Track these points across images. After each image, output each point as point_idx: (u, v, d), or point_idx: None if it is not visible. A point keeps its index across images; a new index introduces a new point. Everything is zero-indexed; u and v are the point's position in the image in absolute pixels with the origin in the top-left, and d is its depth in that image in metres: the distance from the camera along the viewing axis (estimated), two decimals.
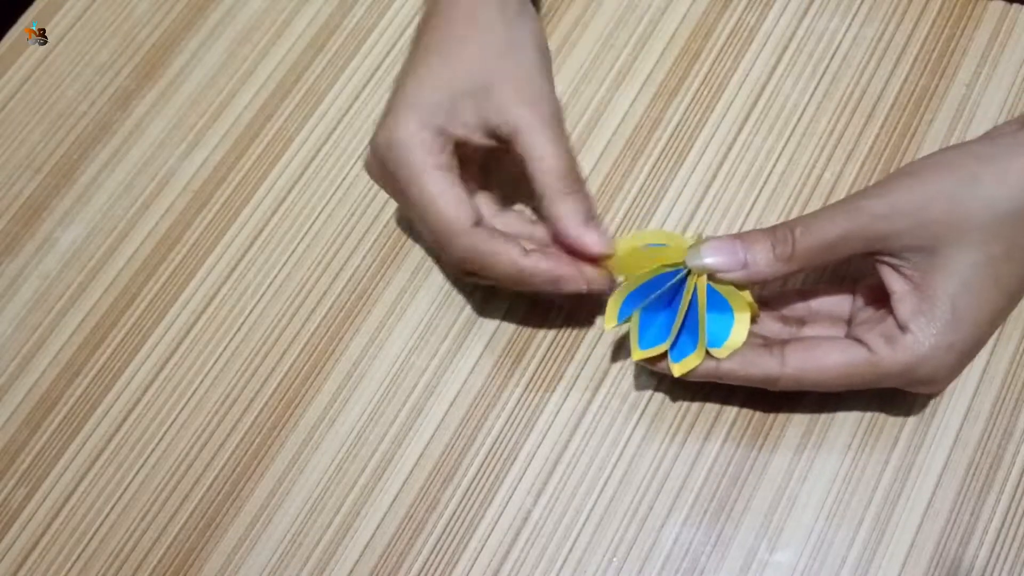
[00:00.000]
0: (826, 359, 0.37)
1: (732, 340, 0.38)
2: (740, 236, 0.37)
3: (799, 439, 0.41)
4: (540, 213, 0.40)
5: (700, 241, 0.37)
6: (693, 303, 0.38)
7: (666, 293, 0.38)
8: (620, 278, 0.40)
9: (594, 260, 0.39)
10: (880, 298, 0.37)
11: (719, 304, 0.38)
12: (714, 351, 0.38)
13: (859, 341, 0.37)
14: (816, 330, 0.40)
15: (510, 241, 0.39)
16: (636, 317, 0.39)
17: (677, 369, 0.38)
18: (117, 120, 0.50)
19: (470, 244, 0.38)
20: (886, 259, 0.36)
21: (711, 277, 0.37)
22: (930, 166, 0.35)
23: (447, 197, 0.38)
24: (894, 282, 0.36)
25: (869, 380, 0.37)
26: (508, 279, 0.39)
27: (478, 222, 0.39)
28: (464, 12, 0.41)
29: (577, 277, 0.38)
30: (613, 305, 0.39)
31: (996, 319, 0.36)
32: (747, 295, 0.37)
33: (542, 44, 0.42)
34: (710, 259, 0.36)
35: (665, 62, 0.48)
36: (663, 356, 0.38)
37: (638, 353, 0.38)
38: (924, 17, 0.48)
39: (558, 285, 0.38)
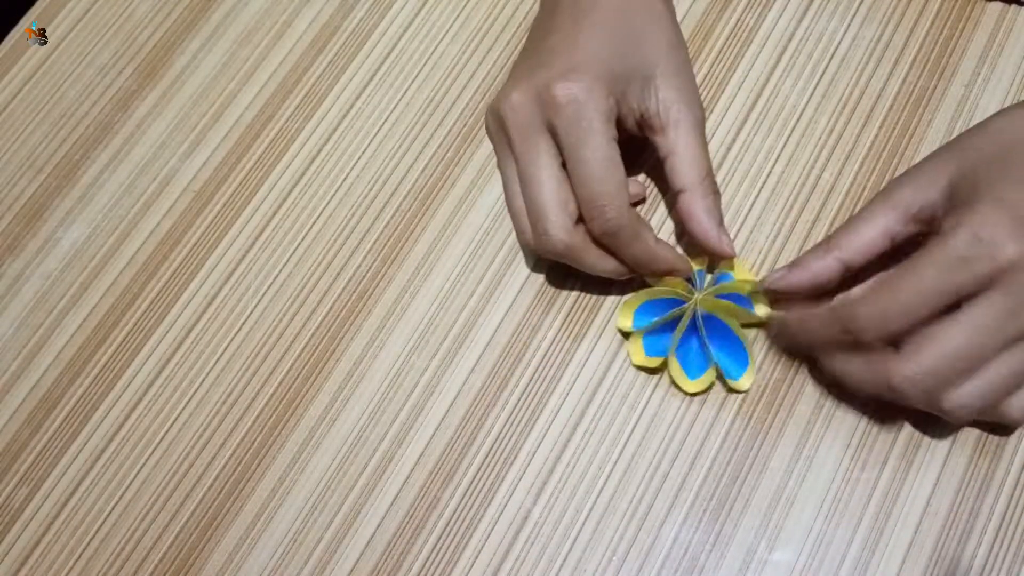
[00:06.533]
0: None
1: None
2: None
3: (798, 438, 0.41)
4: (673, 206, 0.42)
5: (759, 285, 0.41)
6: (716, 325, 0.42)
7: (671, 324, 0.42)
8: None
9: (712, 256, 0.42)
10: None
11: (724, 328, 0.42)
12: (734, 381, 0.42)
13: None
14: None
15: (647, 226, 0.40)
16: (673, 356, 0.42)
17: (745, 382, 0.41)
18: (118, 120, 0.50)
19: (628, 220, 0.39)
20: None
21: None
22: None
23: (619, 170, 0.39)
24: None
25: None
26: (634, 261, 0.40)
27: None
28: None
29: (687, 269, 0.41)
30: (627, 309, 0.43)
31: None
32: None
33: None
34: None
35: None
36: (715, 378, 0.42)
37: (691, 385, 0.42)
38: (923, 17, 0.48)
39: (669, 272, 0.41)
